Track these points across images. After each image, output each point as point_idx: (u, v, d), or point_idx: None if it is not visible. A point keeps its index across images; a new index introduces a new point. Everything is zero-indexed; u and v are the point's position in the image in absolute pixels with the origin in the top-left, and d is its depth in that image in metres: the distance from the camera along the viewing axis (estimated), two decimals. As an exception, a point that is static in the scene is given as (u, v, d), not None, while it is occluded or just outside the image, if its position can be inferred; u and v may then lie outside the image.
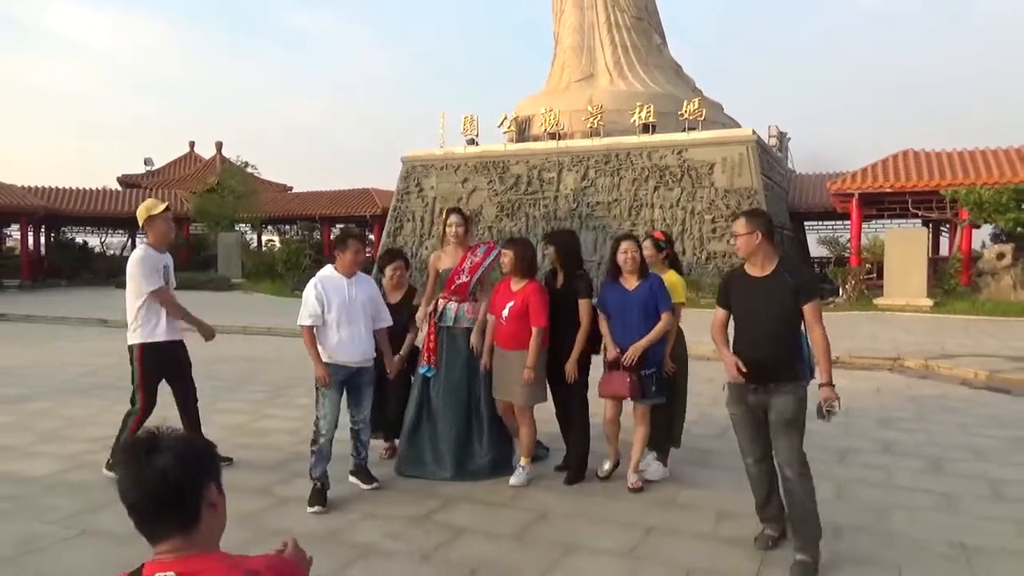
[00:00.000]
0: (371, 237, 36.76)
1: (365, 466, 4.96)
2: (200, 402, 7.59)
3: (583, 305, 4.95)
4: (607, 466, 5.06)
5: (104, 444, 5.78)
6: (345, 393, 4.81)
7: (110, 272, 27.58)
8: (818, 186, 27.09)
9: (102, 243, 34.68)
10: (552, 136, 25.39)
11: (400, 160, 27.74)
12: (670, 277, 5.06)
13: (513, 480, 4.98)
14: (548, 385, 5.14)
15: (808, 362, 3.81)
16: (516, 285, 4.99)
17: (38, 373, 9.58)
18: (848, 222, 25.30)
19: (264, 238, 35.96)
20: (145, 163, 37.79)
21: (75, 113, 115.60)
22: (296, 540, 1.79)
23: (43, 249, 31.35)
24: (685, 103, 24.33)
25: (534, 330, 4.83)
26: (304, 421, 6.80)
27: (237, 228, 31.67)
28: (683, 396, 5.29)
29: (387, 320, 5.00)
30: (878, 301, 18.62)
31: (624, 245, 4.83)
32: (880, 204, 21.56)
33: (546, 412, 5.43)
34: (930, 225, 24.10)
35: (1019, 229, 17.77)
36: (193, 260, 30.16)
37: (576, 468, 5.07)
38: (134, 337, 5.18)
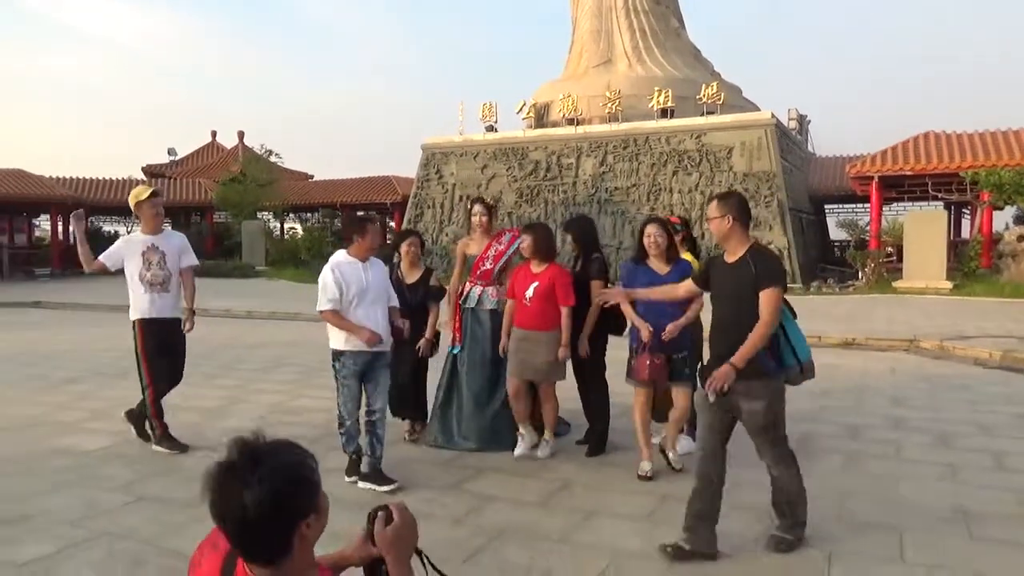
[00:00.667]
0: (391, 224, 37.19)
1: (379, 467, 4.73)
2: (239, 385, 7.99)
3: (594, 286, 5.22)
4: (647, 467, 4.83)
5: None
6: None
7: (138, 260, 28.11)
8: (838, 169, 27.00)
9: (128, 232, 35.37)
10: (570, 122, 25.51)
11: (420, 147, 28.00)
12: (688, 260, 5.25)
13: (540, 453, 5.26)
14: (573, 364, 5.43)
15: (783, 355, 3.63)
16: (538, 268, 5.22)
17: (79, 357, 10.00)
18: (868, 205, 25.26)
19: (286, 226, 36.44)
20: (169, 153, 38.36)
21: (101, 106, 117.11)
22: (400, 506, 1.61)
23: (71, 238, 32.07)
24: (703, 87, 24.32)
25: (564, 310, 5.09)
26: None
27: (259, 216, 32.13)
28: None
29: (394, 300, 5.00)
30: (897, 284, 18.67)
31: (649, 229, 4.87)
32: (900, 187, 21.52)
33: (566, 391, 5.70)
34: (951, 208, 23.99)
35: (1040, 211, 17.69)
36: (218, 248, 30.69)
37: (596, 442, 5.36)
38: (130, 313, 5.54)
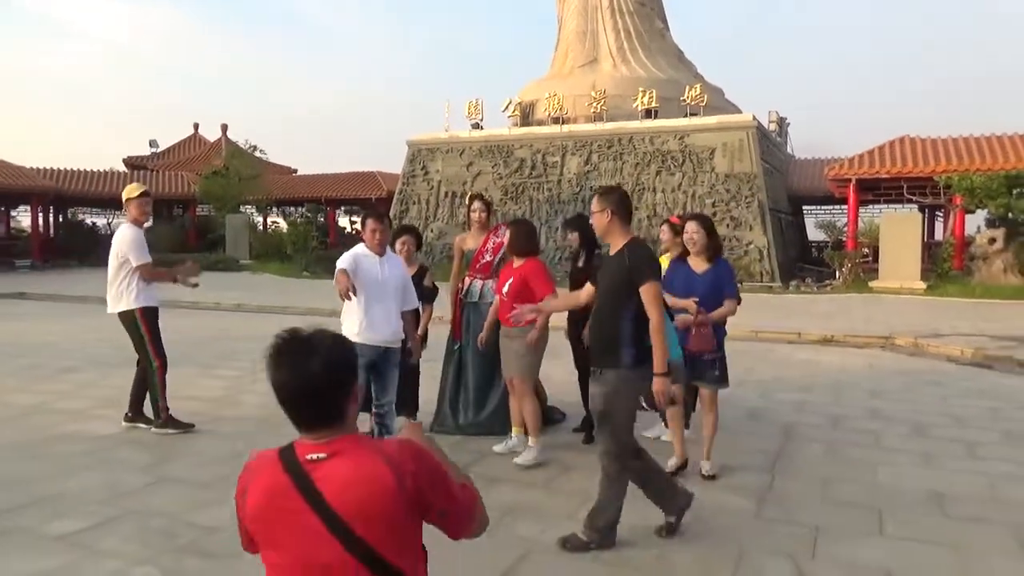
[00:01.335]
0: (375, 219, 37.17)
1: None
2: (239, 376, 8.18)
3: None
4: (673, 461, 4.82)
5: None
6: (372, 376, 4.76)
7: (120, 252, 27.98)
8: (817, 171, 27.55)
9: (109, 224, 35.08)
10: (556, 121, 25.78)
11: (406, 144, 28.14)
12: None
13: (518, 458, 5.06)
14: (573, 353, 5.70)
15: (646, 353, 3.59)
16: (517, 263, 5.20)
17: (73, 347, 10.09)
18: (845, 207, 25.84)
19: (269, 220, 36.38)
20: (150, 145, 38.09)
21: (82, 97, 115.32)
22: (413, 424, 1.88)
23: (52, 230, 31.77)
24: (687, 88, 24.71)
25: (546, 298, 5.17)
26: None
27: (243, 210, 32.08)
28: None
29: (414, 303, 5.00)
30: (873, 284, 19.17)
31: (688, 226, 4.76)
32: (876, 189, 22.07)
33: (563, 383, 5.96)
34: (925, 210, 24.60)
35: (1009, 215, 18.28)
36: (201, 241, 30.60)
37: (591, 431, 5.62)
38: (131, 303, 5.71)
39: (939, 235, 26.57)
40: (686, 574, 3.50)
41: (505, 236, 5.77)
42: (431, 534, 1.71)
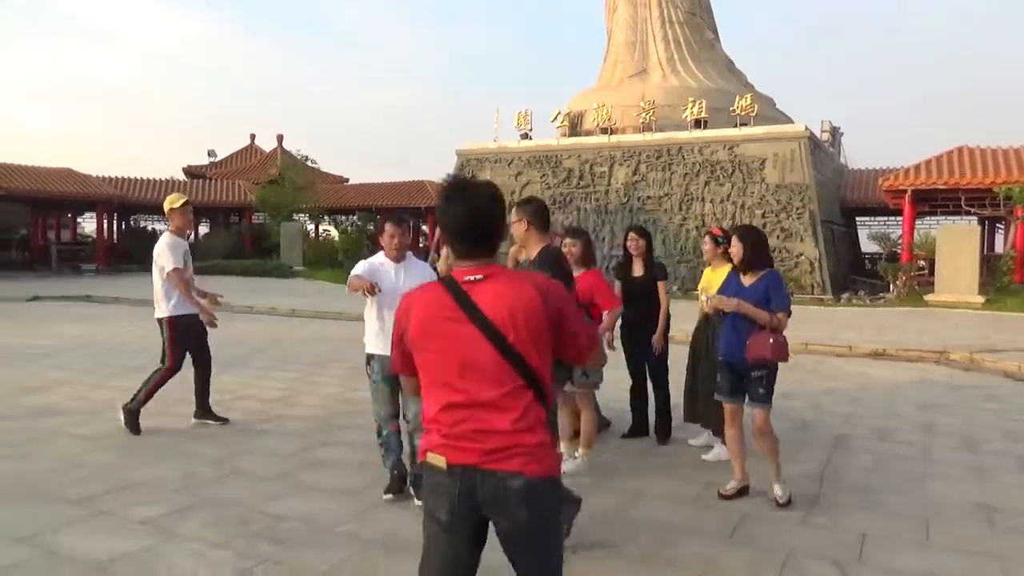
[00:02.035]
0: (424, 228, 37.78)
1: (406, 472, 4.59)
2: (297, 377, 8.53)
3: (660, 287, 5.82)
4: (731, 485, 4.68)
5: (221, 406, 6.69)
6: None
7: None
8: (871, 182, 27.07)
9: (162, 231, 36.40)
10: (604, 131, 25.91)
11: (455, 153, 28.59)
12: (720, 272, 5.32)
13: (565, 467, 4.85)
14: (627, 359, 5.94)
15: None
16: (576, 272, 5.16)
17: (140, 348, 10.56)
18: (899, 218, 25.32)
19: (320, 228, 37.24)
20: (209, 155, 39.43)
21: (143, 107, 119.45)
22: None
23: (115, 236, 33.10)
24: (737, 98, 24.60)
25: (605, 313, 5.28)
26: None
27: (295, 218, 32.95)
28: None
29: None
30: (929, 297, 18.78)
31: (733, 239, 4.72)
32: (933, 201, 21.62)
33: (609, 391, 6.09)
34: (984, 222, 23.97)
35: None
36: (256, 248, 31.51)
37: (663, 426, 5.93)
38: (163, 311, 6.07)
39: (999, 248, 25.81)
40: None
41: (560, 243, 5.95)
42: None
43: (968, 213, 21.26)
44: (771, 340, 4.30)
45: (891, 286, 20.47)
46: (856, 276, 25.51)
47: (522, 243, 4.03)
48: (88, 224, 35.50)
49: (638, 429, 6.06)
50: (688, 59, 27.68)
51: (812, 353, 11.12)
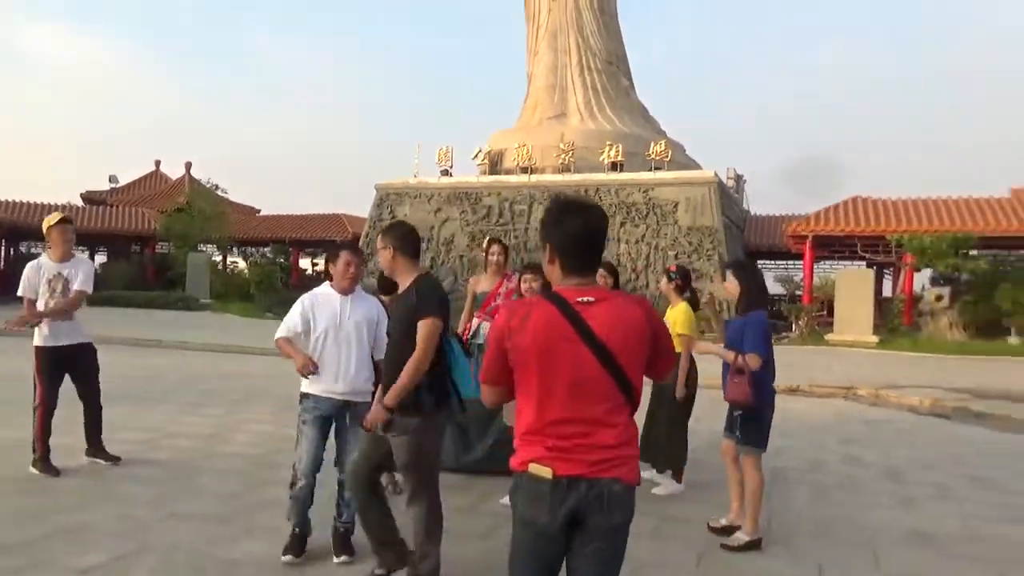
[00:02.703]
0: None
1: (349, 534, 4.15)
2: (225, 414, 8.16)
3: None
4: (724, 520, 4.69)
5: (148, 444, 6.32)
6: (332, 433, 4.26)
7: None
8: (770, 226, 28.67)
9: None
10: (524, 170, 26.39)
11: (374, 188, 28.39)
12: (679, 309, 5.54)
13: (504, 500, 5.16)
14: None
15: (442, 393, 3.61)
16: None
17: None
18: (798, 262, 26.87)
19: (228, 260, 36.03)
20: (110, 180, 37.61)
21: (40, 129, 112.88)
22: None
23: (2, 262, 30.91)
24: (652, 144, 25.64)
25: None
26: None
27: (202, 248, 31.76)
28: (687, 419, 5.81)
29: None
30: (829, 337, 19.91)
31: (728, 275, 4.74)
32: (832, 246, 23.05)
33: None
34: (875, 268, 25.72)
35: (956, 274, 19.28)
36: (159, 279, 30.10)
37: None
38: (35, 339, 5.62)
39: (887, 291, 27.70)
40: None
41: (516, 283, 6.00)
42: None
43: (861, 259, 22.76)
44: (731, 380, 4.42)
45: (793, 326, 21.58)
46: (760, 316, 26.75)
47: (389, 272, 3.69)
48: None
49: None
50: (605, 105, 28.70)
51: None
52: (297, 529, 4.10)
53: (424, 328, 3.43)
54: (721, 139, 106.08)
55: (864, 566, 4.24)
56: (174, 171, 38.97)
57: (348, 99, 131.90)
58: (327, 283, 4.29)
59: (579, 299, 2.16)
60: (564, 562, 2.26)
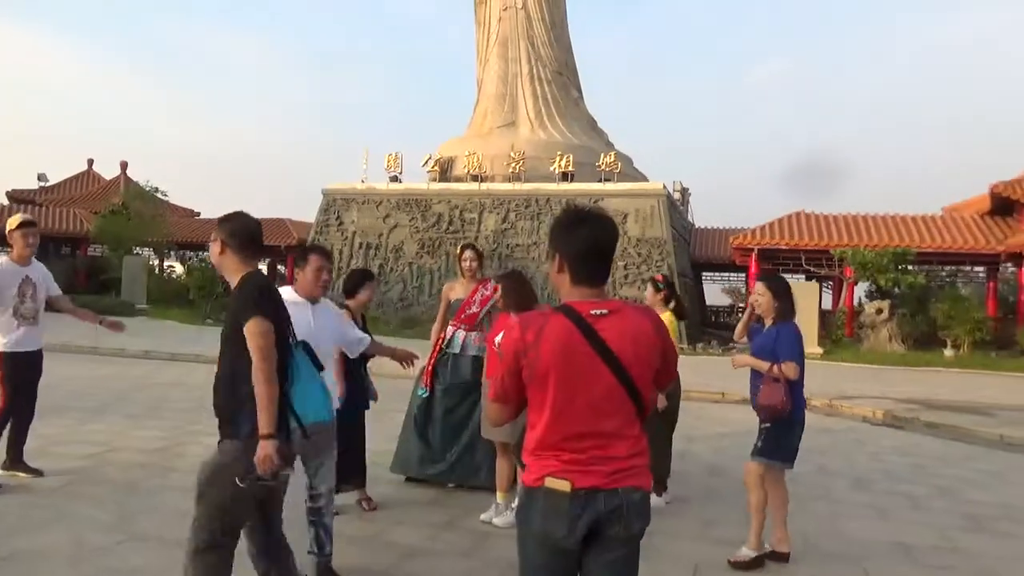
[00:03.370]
0: (281, 269, 36.22)
1: (330, 566, 3.80)
2: (175, 426, 7.79)
3: None
4: (746, 553, 4.37)
5: (95, 459, 5.91)
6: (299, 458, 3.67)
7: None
8: (714, 239, 29.25)
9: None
10: (474, 178, 26.23)
11: (321, 192, 27.79)
12: (664, 317, 5.61)
13: (496, 520, 4.87)
14: None
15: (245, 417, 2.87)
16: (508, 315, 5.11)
17: None
18: (741, 274, 27.45)
19: (165, 264, 34.75)
20: (39, 179, 35.83)
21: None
22: None
23: None
24: (602, 156, 25.82)
25: None
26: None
27: (138, 251, 30.55)
28: (671, 431, 5.82)
29: (364, 341, 4.21)
30: (775, 348, 20.31)
31: (756, 286, 4.66)
32: (776, 259, 23.56)
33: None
34: (820, 281, 26.46)
35: (896, 288, 19.94)
36: (91, 283, 28.78)
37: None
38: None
39: (827, 304, 28.53)
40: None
41: (493, 290, 5.83)
42: None
43: (806, 272, 23.34)
44: (765, 385, 4.32)
45: (741, 337, 21.96)
46: (704, 327, 27.21)
47: (218, 269, 3.15)
48: None
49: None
50: (555, 115, 28.80)
51: (691, 400, 11.60)
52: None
53: (248, 331, 2.83)
54: (669, 153, 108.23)
55: (856, 580, 4.22)
56: (108, 171, 37.49)
57: (291, 101, 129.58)
58: (289, 288, 3.86)
59: (592, 312, 2.15)
60: None
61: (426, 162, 27.45)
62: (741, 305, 28.08)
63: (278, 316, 2.98)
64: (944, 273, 26.11)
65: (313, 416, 3.12)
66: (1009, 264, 23.34)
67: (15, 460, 5.49)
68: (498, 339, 4.86)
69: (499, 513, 5.00)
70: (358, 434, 5.13)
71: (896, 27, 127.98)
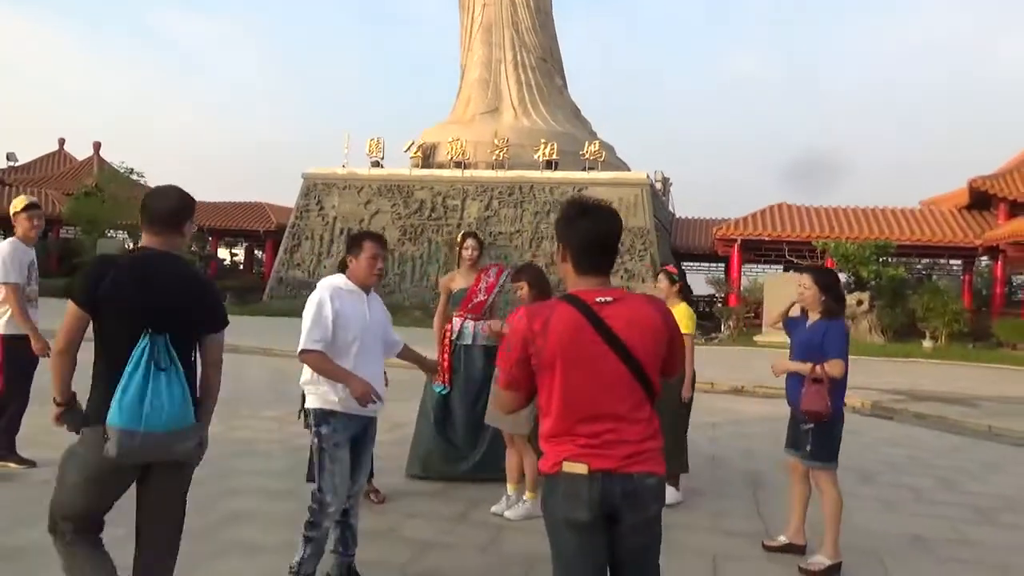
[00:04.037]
0: (258, 254, 35.75)
1: (353, 565, 3.69)
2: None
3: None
4: (783, 538, 4.46)
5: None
6: None
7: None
8: (695, 229, 29.37)
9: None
10: (457, 165, 26.02)
11: (301, 176, 27.40)
12: (680, 309, 5.39)
13: (508, 513, 4.82)
14: None
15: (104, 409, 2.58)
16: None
17: None
18: (720, 264, 27.63)
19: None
20: (8, 158, 34.86)
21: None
22: None
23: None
24: (587, 144, 25.75)
25: None
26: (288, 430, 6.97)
27: (112, 234, 29.91)
28: (686, 424, 5.73)
29: (398, 344, 3.99)
30: (757, 338, 20.45)
31: (802, 279, 4.40)
32: (758, 250, 23.74)
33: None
34: (791, 271, 26.71)
35: (878, 280, 20.16)
36: (63, 266, 28.14)
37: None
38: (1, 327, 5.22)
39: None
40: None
41: (496, 276, 5.72)
42: None
43: (789, 262, 23.52)
44: (808, 389, 4.13)
45: (723, 327, 22.09)
46: (686, 317, 27.32)
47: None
48: None
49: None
50: (539, 102, 28.66)
51: (681, 390, 11.61)
52: None
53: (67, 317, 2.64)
54: (649, 143, 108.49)
55: (878, 574, 4.20)
56: (80, 151, 36.57)
57: (269, 86, 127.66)
58: (341, 275, 3.66)
59: (597, 299, 2.22)
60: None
61: (408, 148, 27.18)
62: (722, 295, 28.24)
63: (81, 291, 2.65)
64: (920, 266, 26.48)
65: (116, 419, 2.54)
66: (985, 257, 23.73)
67: (8, 450, 5.30)
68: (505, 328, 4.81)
69: (510, 506, 4.92)
70: None
71: (880, 20, 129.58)
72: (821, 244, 21.14)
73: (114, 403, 2.56)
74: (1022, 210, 21.73)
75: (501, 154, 25.46)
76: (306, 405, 3.59)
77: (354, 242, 3.66)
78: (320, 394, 3.51)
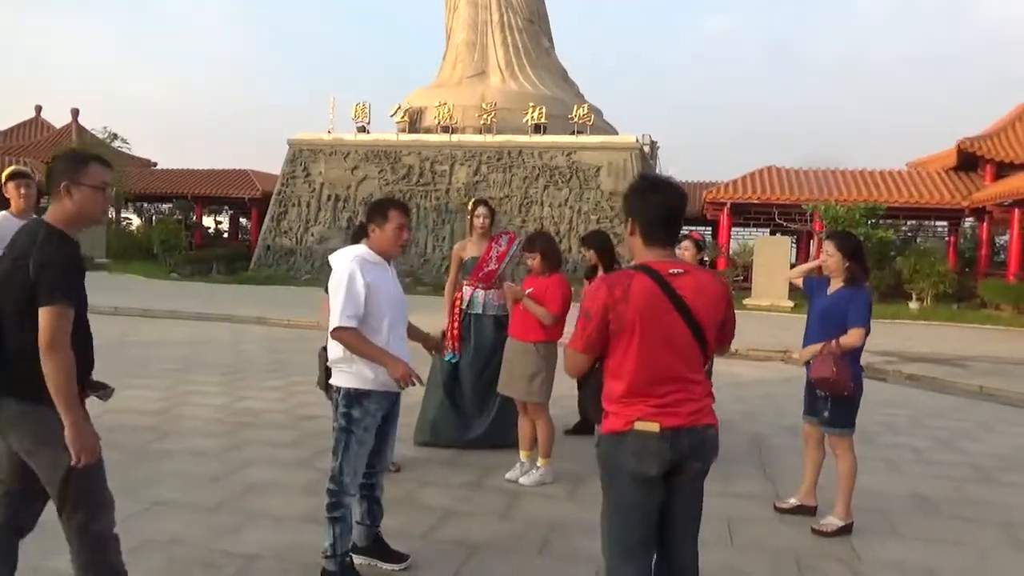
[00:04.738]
0: (243, 222, 35.35)
1: (380, 535, 3.64)
2: (169, 386, 7.55)
3: None
4: (793, 500, 4.62)
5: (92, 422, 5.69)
6: None
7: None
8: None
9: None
10: (445, 129, 25.74)
11: (287, 143, 27.02)
12: None
13: (522, 479, 4.89)
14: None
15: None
16: (543, 276, 5.04)
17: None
18: (707, 227, 27.69)
19: (121, 216, 33.61)
20: (-18, 126, 34.05)
21: None
22: None
23: None
24: (575, 108, 25.50)
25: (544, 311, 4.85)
26: (277, 396, 6.98)
27: (94, 204, 29.43)
28: None
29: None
30: (747, 301, 20.60)
31: (825, 246, 4.40)
32: (747, 213, 23.79)
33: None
34: (791, 235, 26.82)
35: (866, 241, 20.29)
36: (45, 236, 27.71)
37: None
38: None
39: (794, 258, 29.00)
40: (755, 582, 3.61)
41: (508, 244, 5.70)
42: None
43: (777, 226, 23.62)
44: (835, 361, 4.13)
45: (712, 290, 22.23)
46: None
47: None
48: None
49: (584, 426, 5.98)
50: (527, 65, 28.29)
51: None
52: (348, 559, 3.35)
53: (44, 318, 2.43)
54: (635, 104, 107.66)
55: (882, 531, 4.32)
56: (59, 119, 35.77)
57: (252, 48, 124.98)
58: (363, 246, 3.45)
59: (671, 271, 2.41)
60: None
61: (395, 112, 26.81)
62: (711, 259, 28.38)
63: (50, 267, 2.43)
64: (906, 228, 26.69)
65: None
66: (971, 219, 23.95)
67: None
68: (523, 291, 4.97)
69: (524, 472, 4.98)
70: None
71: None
72: (811, 207, 21.21)
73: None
74: (1009, 171, 21.89)
75: (489, 118, 25.20)
76: (336, 383, 3.36)
77: (378, 210, 3.42)
78: (354, 372, 3.29)
